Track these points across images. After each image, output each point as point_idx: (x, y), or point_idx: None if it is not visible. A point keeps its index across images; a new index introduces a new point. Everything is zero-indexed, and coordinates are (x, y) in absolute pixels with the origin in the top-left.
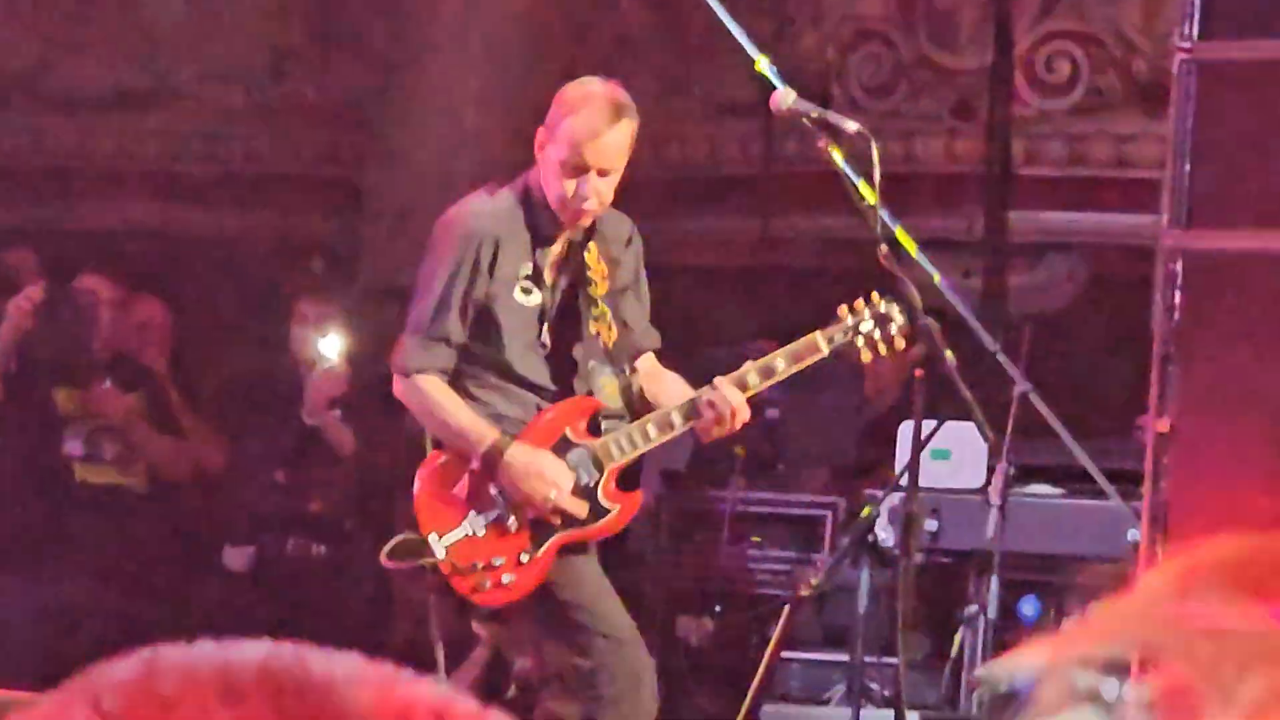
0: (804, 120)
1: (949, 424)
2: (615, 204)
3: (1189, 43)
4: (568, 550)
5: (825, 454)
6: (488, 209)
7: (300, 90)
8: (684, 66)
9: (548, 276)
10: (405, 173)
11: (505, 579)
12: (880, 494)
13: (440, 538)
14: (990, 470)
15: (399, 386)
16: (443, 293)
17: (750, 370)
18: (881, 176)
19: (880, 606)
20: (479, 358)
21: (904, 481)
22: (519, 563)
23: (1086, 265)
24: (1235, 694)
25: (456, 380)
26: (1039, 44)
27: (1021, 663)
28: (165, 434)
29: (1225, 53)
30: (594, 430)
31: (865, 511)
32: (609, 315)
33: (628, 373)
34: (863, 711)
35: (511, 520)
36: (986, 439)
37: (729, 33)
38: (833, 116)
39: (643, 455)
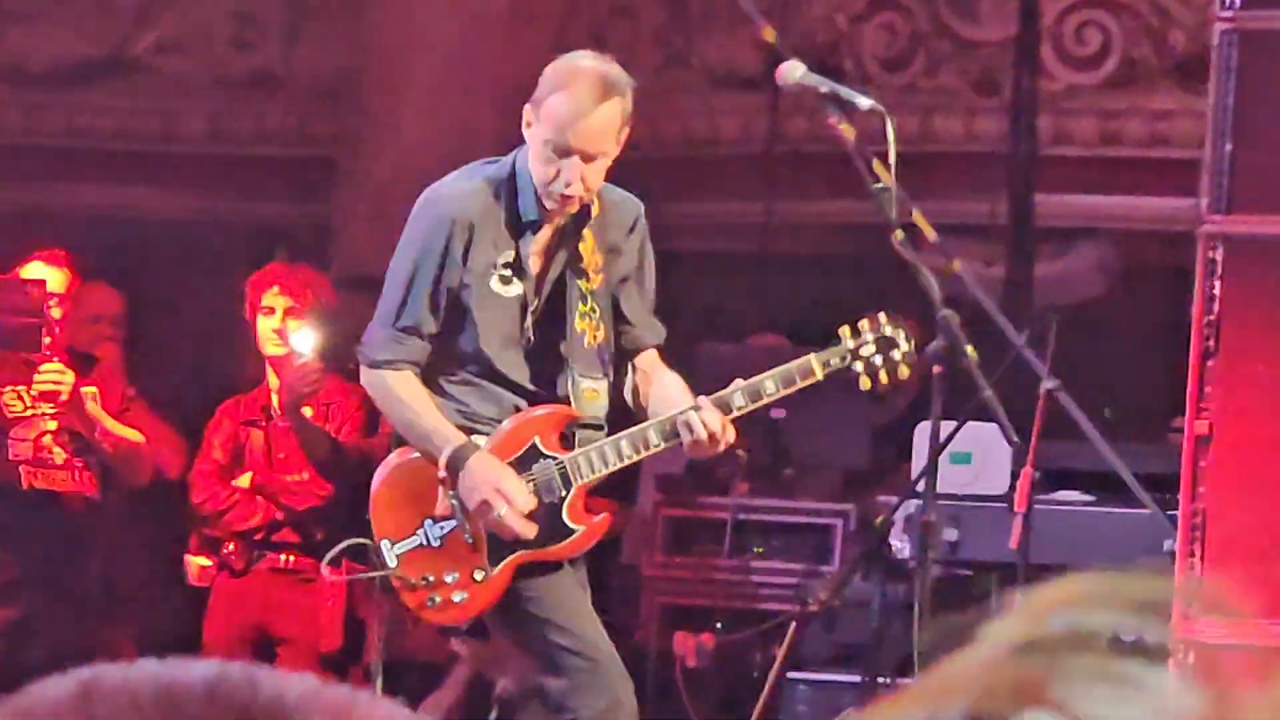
0: (813, 95)
1: (970, 425)
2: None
3: (1230, 11)
4: (545, 565)
5: (835, 458)
6: (463, 190)
7: (267, 62)
8: (683, 36)
9: (533, 265)
10: (382, 152)
11: (456, 597)
12: (895, 501)
13: (393, 545)
14: (1014, 475)
15: (365, 378)
16: (411, 281)
17: (737, 391)
18: (897, 157)
19: (895, 623)
20: (452, 351)
21: (921, 487)
22: (473, 580)
23: (1118, 253)
24: None
25: (429, 374)
26: (1067, 13)
27: None
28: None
29: (1270, 22)
30: (567, 441)
31: (879, 520)
32: (599, 313)
33: (629, 372)
34: None
35: (469, 533)
36: (1010, 441)
37: None
38: (844, 91)
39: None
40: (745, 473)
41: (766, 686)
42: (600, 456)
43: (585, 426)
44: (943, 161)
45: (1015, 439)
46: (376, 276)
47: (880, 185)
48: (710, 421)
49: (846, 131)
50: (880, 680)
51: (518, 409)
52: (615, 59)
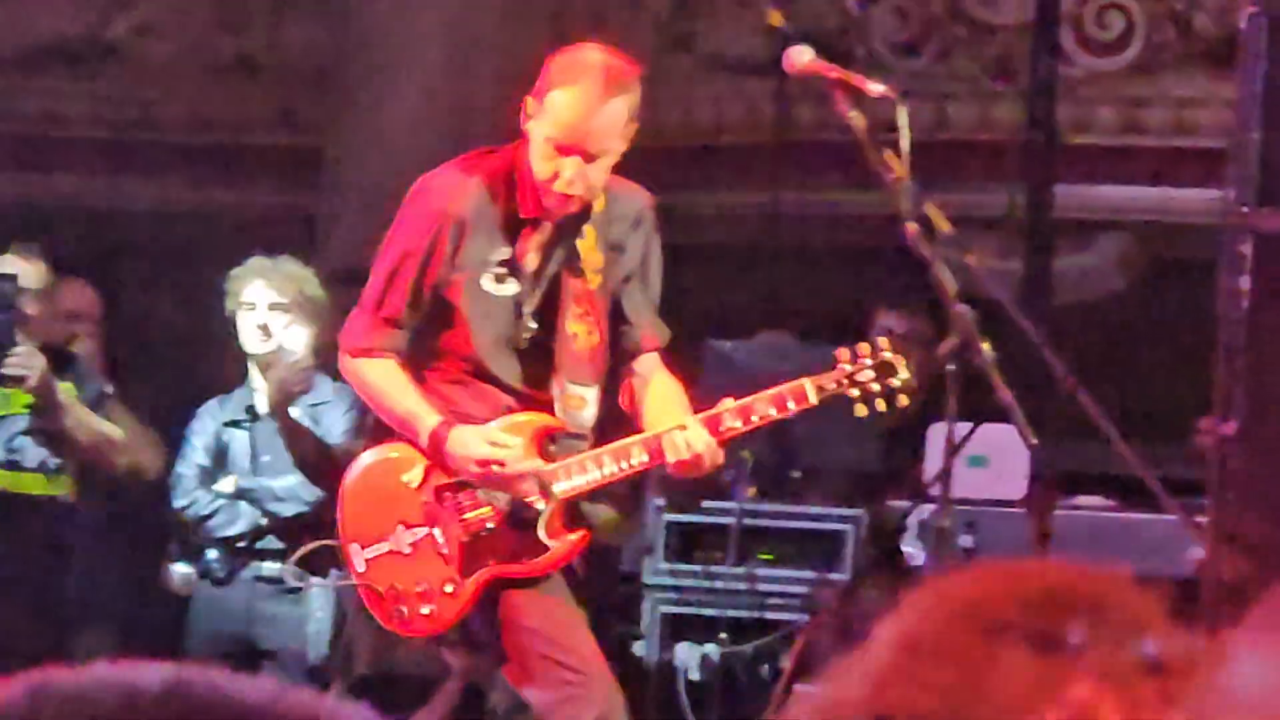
0: (822, 81)
1: (986, 426)
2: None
3: None
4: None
5: (845, 460)
6: (457, 183)
7: (251, 46)
8: (686, 19)
9: (529, 263)
10: (372, 140)
11: (424, 609)
12: (908, 506)
13: (362, 549)
14: (1032, 479)
15: (344, 365)
16: (394, 273)
17: (726, 410)
18: (909, 146)
19: None
20: (442, 349)
21: (935, 491)
22: (442, 592)
23: (1142, 247)
24: None
25: (419, 371)
26: None
27: None
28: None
29: None
30: (547, 451)
31: (891, 525)
32: (594, 315)
33: (627, 375)
34: None
35: (442, 543)
36: (1028, 443)
37: None
38: (854, 77)
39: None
40: (751, 476)
41: (774, 700)
42: (580, 471)
43: (569, 436)
44: (957, 151)
45: (1033, 441)
46: (366, 270)
47: (892, 176)
48: (696, 442)
49: (857, 119)
50: None
51: (510, 410)
52: (616, 44)
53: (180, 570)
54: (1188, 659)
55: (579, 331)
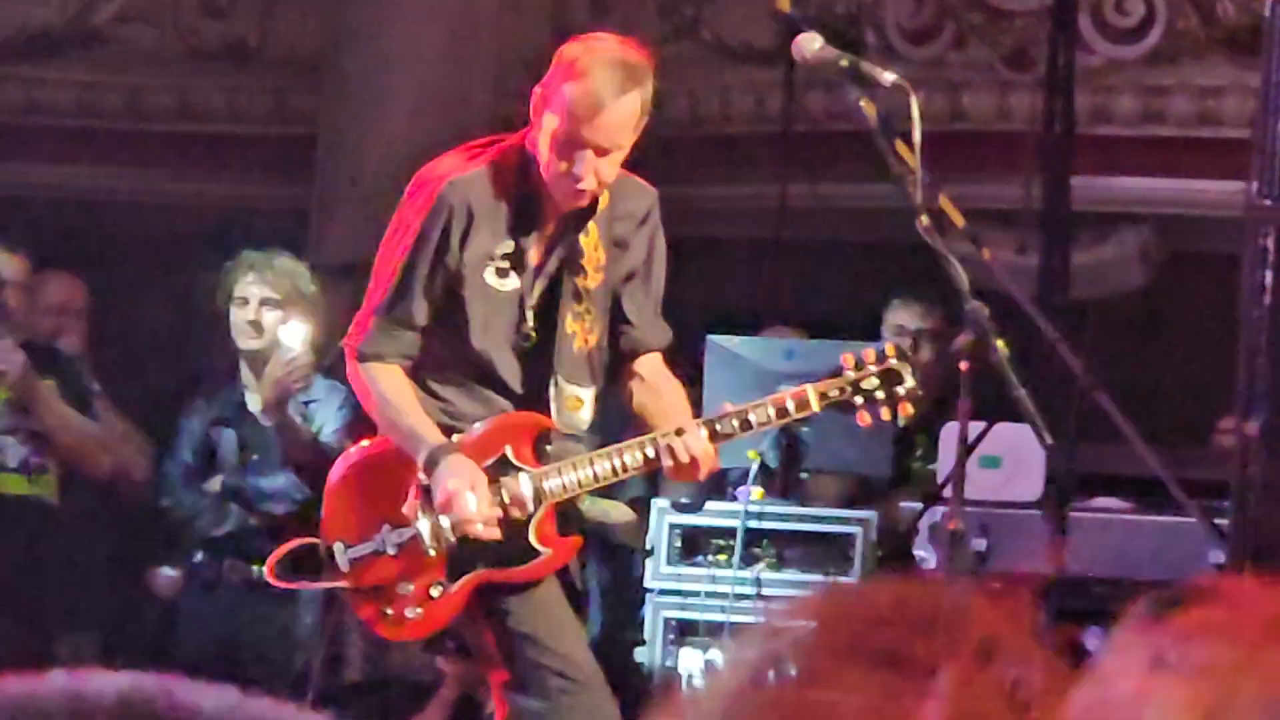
0: (832, 70)
1: (1000, 426)
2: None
3: None
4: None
5: (854, 460)
6: (464, 173)
7: (241, 33)
8: (692, 5)
9: (532, 258)
10: (367, 130)
11: (409, 613)
12: (919, 508)
13: (346, 549)
14: (1048, 480)
15: (352, 370)
16: (405, 269)
17: (726, 416)
18: (923, 136)
19: None
20: (441, 347)
21: (947, 493)
22: (428, 595)
23: (1162, 240)
24: None
25: (415, 370)
26: None
27: None
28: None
29: None
30: (541, 453)
31: (901, 528)
32: (594, 314)
33: (628, 378)
34: None
35: (429, 545)
36: (1044, 444)
37: None
38: (866, 66)
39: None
40: (757, 477)
41: None
42: (573, 475)
43: (564, 438)
44: (972, 141)
45: (1049, 441)
46: (361, 264)
47: (905, 167)
48: (694, 447)
49: (868, 109)
50: None
51: (505, 412)
52: (622, 31)
53: (166, 573)
54: (1046, 679)
55: (578, 330)
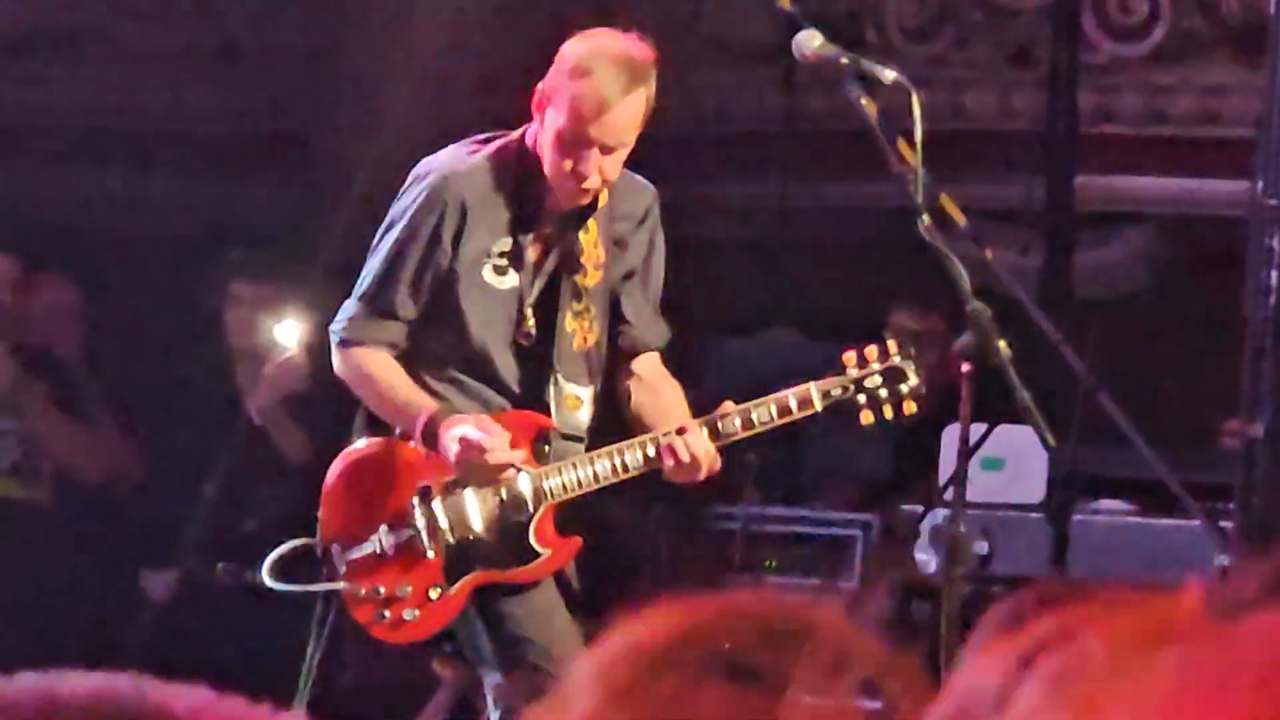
0: (832, 68)
1: (1002, 428)
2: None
3: None
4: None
5: (855, 463)
6: (461, 168)
7: (234, 32)
8: (691, 3)
9: (530, 255)
10: (364, 129)
11: (407, 614)
12: (920, 511)
13: (343, 550)
14: (1051, 483)
15: (337, 359)
16: (392, 260)
17: (729, 415)
18: (924, 135)
19: (920, 644)
20: (439, 346)
21: (949, 496)
22: (426, 598)
23: (1167, 241)
24: None
25: (411, 369)
26: None
27: None
28: (76, 424)
29: None
30: (540, 452)
31: (903, 531)
32: (593, 313)
33: (625, 378)
34: None
35: (427, 546)
36: (1046, 446)
37: None
38: (866, 64)
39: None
40: (757, 479)
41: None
42: (573, 475)
43: (563, 438)
44: (974, 140)
45: (1052, 443)
46: (359, 263)
47: (906, 166)
48: (694, 447)
49: (869, 108)
50: None
51: (503, 411)
52: (621, 28)
53: (159, 577)
54: (902, 693)
55: (577, 330)
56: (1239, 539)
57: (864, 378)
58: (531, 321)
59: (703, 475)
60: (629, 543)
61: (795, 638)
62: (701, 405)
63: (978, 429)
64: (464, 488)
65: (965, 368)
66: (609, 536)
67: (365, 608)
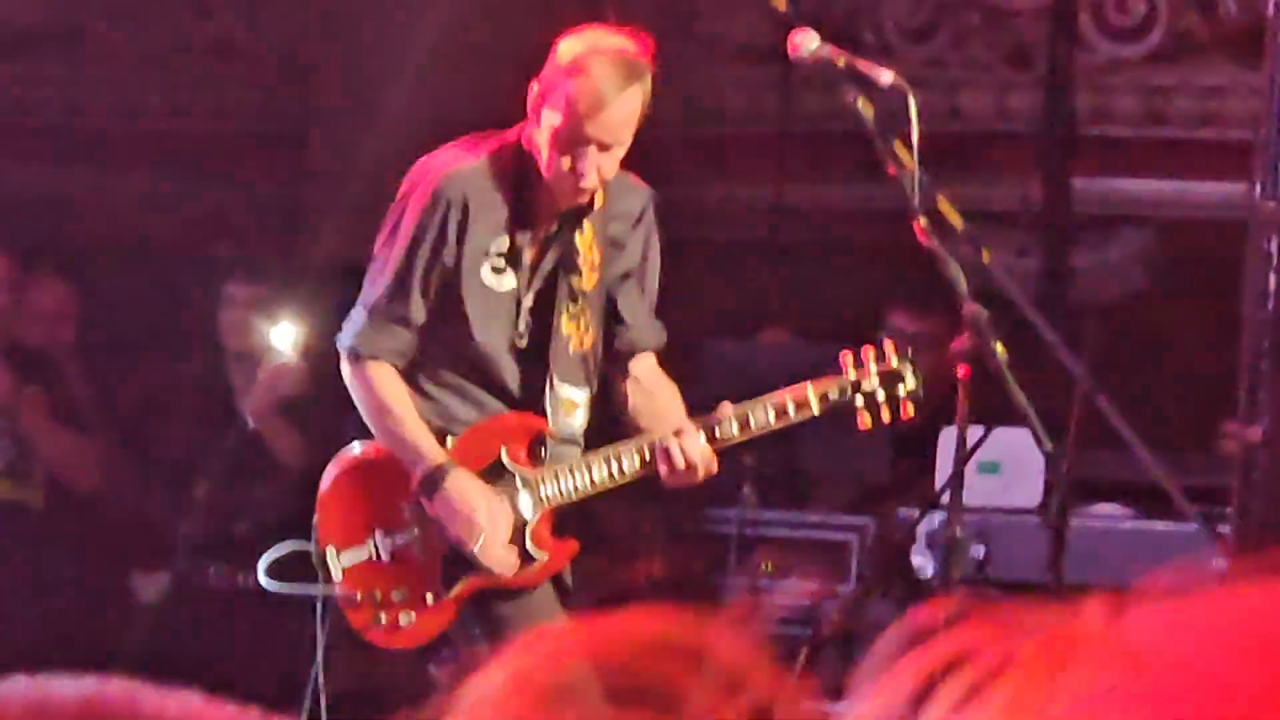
0: (829, 69)
1: (998, 431)
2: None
3: None
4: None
5: (852, 466)
6: (460, 166)
7: (230, 30)
8: (686, 2)
9: (527, 256)
10: (359, 128)
11: (403, 619)
12: (917, 514)
13: (339, 554)
14: (1047, 486)
15: (347, 371)
16: (403, 265)
17: (725, 418)
18: (921, 137)
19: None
20: (439, 346)
21: (945, 499)
22: (423, 602)
23: (1164, 243)
24: None
25: (409, 370)
26: None
27: None
28: (70, 431)
29: None
30: (536, 456)
31: (898, 535)
32: (589, 315)
33: (622, 379)
34: None
35: (422, 550)
36: (1043, 449)
37: None
38: (863, 65)
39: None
40: (753, 482)
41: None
42: (570, 479)
43: (560, 441)
44: (971, 142)
45: (1048, 446)
46: (353, 265)
47: (902, 168)
48: (691, 450)
49: (865, 109)
50: None
51: (499, 414)
52: (620, 25)
53: (151, 579)
54: (797, 710)
55: (573, 332)
56: (1236, 543)
57: (861, 380)
58: (527, 323)
59: (700, 479)
60: (624, 546)
61: (688, 659)
62: (697, 407)
63: (975, 432)
64: None
65: (962, 370)
66: (604, 540)
67: (361, 612)
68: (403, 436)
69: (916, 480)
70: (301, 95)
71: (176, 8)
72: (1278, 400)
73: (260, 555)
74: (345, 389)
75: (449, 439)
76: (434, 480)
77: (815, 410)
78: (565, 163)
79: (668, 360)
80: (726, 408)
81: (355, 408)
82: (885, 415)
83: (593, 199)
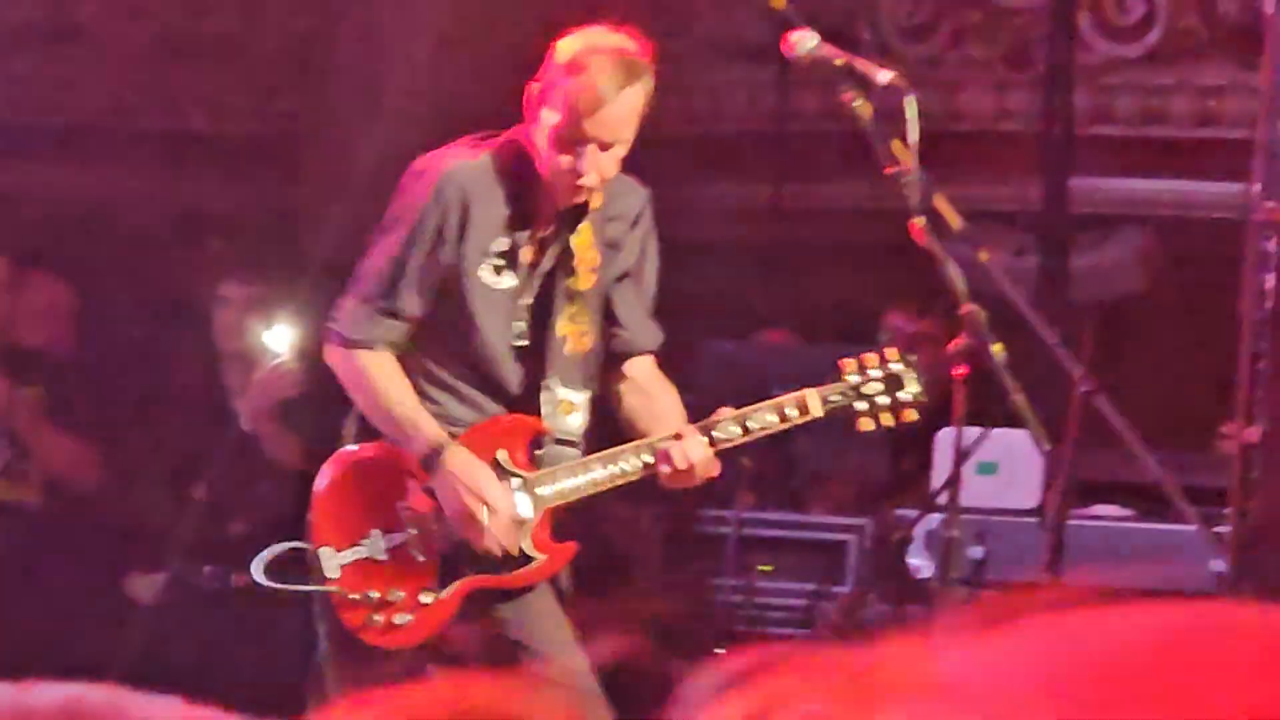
0: (826, 68)
1: (996, 432)
2: None
3: None
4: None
5: (849, 466)
6: (462, 164)
7: (226, 28)
8: (683, 2)
9: (525, 256)
10: (357, 128)
11: (398, 619)
12: (914, 515)
13: (335, 554)
14: (1046, 487)
15: (335, 357)
16: (399, 258)
17: (726, 421)
18: (919, 136)
19: None
20: (440, 345)
21: (943, 500)
22: (418, 603)
23: (1163, 242)
24: None
25: (407, 371)
26: None
27: None
28: (66, 434)
29: None
30: (534, 457)
31: (896, 536)
32: (586, 317)
33: (618, 381)
34: None
35: (419, 549)
36: (1041, 450)
37: None
38: (861, 64)
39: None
40: (750, 483)
41: None
42: (568, 482)
43: (558, 442)
44: (970, 141)
45: (1047, 446)
46: (349, 267)
47: (900, 168)
48: (692, 453)
49: (863, 108)
50: None
51: (497, 415)
52: (619, 25)
53: (147, 579)
54: None
55: (570, 333)
56: (1235, 543)
57: (863, 385)
58: (526, 324)
59: (699, 482)
60: (622, 546)
61: None
62: (695, 408)
63: (972, 432)
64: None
65: (960, 370)
66: (601, 540)
67: (357, 612)
68: (397, 416)
69: (914, 481)
70: (300, 95)
71: (173, 6)
72: (1275, 400)
73: (256, 556)
74: (341, 390)
75: None
76: (433, 460)
77: (818, 414)
78: (565, 161)
79: (665, 361)
80: (727, 412)
81: (352, 409)
82: (887, 420)
83: (590, 200)
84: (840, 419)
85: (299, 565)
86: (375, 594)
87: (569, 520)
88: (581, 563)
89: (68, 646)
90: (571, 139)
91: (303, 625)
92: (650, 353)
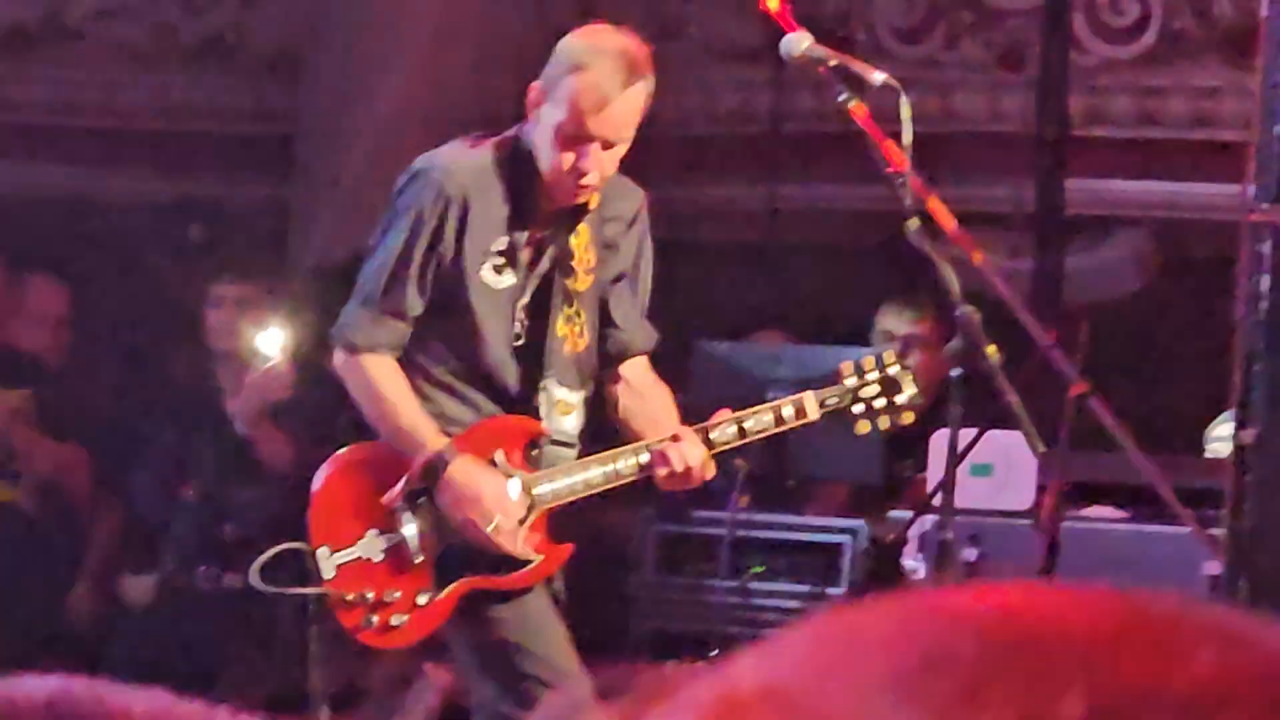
0: (821, 69)
1: (991, 433)
2: None
3: None
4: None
5: (844, 468)
6: (462, 163)
7: (220, 28)
8: (677, 3)
9: (523, 256)
10: (351, 129)
11: (395, 620)
12: (909, 517)
13: (331, 554)
14: (1040, 489)
15: (339, 360)
16: (399, 258)
17: (724, 422)
18: (913, 137)
19: None
20: (440, 345)
21: (938, 502)
22: (414, 604)
23: (1157, 244)
24: None
25: (405, 371)
26: None
27: None
28: (59, 439)
29: None
30: (531, 458)
31: (891, 538)
32: (583, 317)
33: (612, 382)
34: None
35: (416, 550)
36: (1036, 451)
37: None
38: (855, 65)
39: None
40: (745, 485)
41: None
42: (564, 482)
43: (554, 443)
44: (964, 143)
45: (1041, 448)
46: (344, 266)
47: (894, 169)
48: (689, 455)
49: (857, 110)
50: None
51: (494, 415)
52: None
53: (138, 581)
54: None
55: (567, 334)
56: (1230, 546)
57: (860, 388)
58: (524, 324)
59: (695, 484)
60: (615, 547)
61: None
62: (690, 409)
63: (967, 434)
64: None
65: (954, 372)
66: (595, 541)
67: (353, 613)
68: (402, 424)
69: (909, 483)
70: (292, 95)
71: (169, 8)
72: (1271, 403)
73: (249, 558)
74: (335, 392)
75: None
76: (434, 469)
77: (815, 417)
78: (567, 160)
79: (660, 362)
80: (725, 414)
81: (346, 411)
82: (884, 423)
83: (589, 200)
84: (839, 423)
85: (294, 566)
86: (370, 594)
87: (565, 521)
88: (576, 564)
89: (61, 646)
90: (575, 137)
91: (297, 626)
92: (645, 354)
